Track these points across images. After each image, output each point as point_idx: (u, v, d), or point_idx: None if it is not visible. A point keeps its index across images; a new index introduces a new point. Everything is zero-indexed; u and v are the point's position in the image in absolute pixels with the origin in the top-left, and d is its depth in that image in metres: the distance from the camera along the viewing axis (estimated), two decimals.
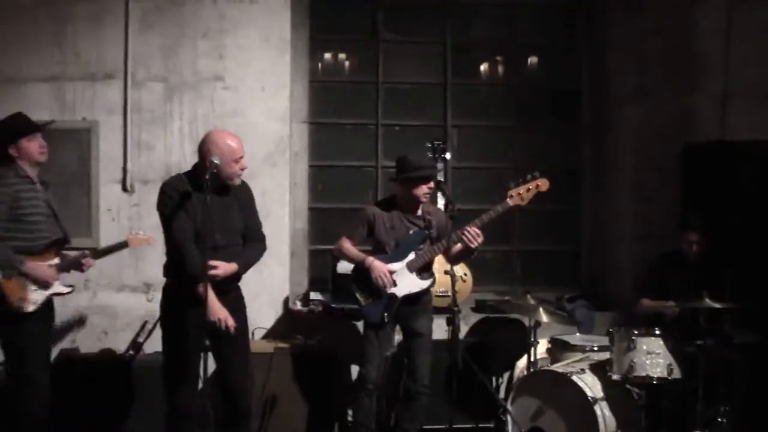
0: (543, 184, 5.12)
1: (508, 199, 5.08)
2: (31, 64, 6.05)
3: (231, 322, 4.44)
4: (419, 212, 5.21)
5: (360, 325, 5.41)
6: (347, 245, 5.23)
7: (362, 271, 5.14)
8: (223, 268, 4.44)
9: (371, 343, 5.15)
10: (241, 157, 4.51)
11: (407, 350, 5.31)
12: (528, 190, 5.09)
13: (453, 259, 5.00)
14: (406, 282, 5.11)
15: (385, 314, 5.07)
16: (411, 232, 5.17)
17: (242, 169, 4.53)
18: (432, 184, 5.13)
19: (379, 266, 5.07)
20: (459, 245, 5.01)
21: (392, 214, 5.19)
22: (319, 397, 5.67)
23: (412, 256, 5.12)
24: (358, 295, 5.15)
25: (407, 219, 5.19)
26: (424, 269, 5.16)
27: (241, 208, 4.65)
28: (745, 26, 6.24)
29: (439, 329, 5.41)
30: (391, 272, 5.08)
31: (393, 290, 5.09)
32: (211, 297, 4.35)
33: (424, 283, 5.16)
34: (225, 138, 4.49)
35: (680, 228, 5.71)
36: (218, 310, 4.40)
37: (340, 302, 5.94)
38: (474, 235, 4.92)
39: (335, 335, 5.93)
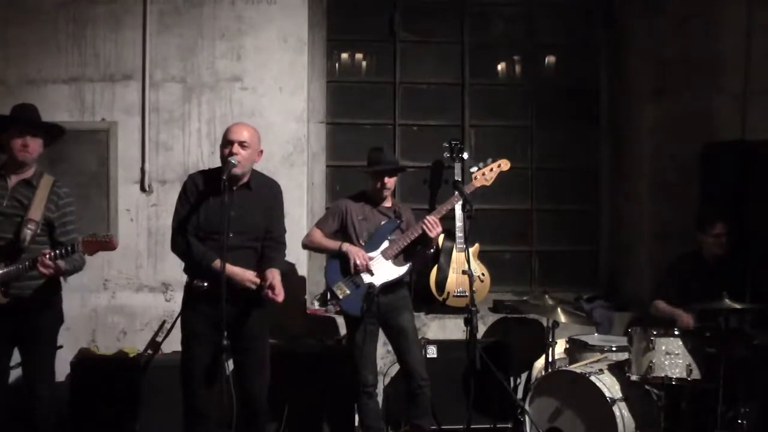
0: (504, 164, 5.46)
1: (473, 181, 5.38)
2: (51, 65, 6.10)
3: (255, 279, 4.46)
4: (389, 204, 5.36)
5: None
6: (319, 235, 5.32)
7: (338, 260, 5.21)
8: (277, 284, 4.45)
9: (357, 346, 5.16)
10: (231, 143, 4.43)
11: (396, 350, 5.33)
12: (491, 170, 5.40)
13: (416, 254, 5.25)
14: (382, 270, 5.19)
15: (363, 305, 5.05)
16: (383, 222, 5.27)
17: (231, 154, 4.39)
18: (389, 180, 5.25)
19: (355, 249, 5.17)
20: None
21: (363, 207, 5.33)
22: (336, 398, 5.66)
23: (385, 244, 5.22)
24: (335, 288, 5.17)
25: (378, 211, 5.32)
26: (398, 257, 5.23)
27: (264, 208, 4.62)
28: (766, 25, 6.17)
29: (457, 329, 5.40)
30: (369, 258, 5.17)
31: (371, 279, 5.15)
32: (231, 269, 4.32)
33: (401, 270, 5.22)
34: (229, 126, 4.57)
35: (704, 225, 5.65)
36: (245, 279, 4.43)
37: None
38: (432, 224, 5.10)
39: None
